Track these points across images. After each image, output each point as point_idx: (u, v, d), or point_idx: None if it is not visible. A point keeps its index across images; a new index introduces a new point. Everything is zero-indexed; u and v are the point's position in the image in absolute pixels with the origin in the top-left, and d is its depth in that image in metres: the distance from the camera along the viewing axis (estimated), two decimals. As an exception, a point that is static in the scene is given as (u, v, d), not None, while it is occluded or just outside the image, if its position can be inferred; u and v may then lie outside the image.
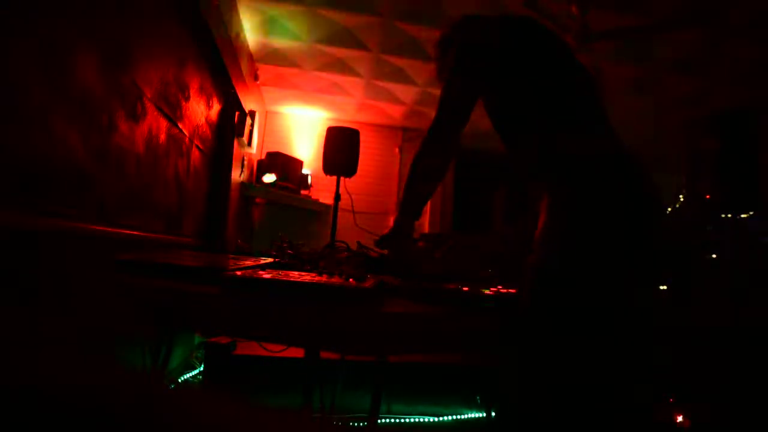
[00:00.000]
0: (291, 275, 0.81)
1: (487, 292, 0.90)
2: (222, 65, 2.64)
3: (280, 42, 3.38)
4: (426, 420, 2.11)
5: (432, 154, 1.08)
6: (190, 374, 2.38)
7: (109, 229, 1.42)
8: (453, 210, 5.22)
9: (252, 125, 3.53)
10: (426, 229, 4.89)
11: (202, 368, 2.33)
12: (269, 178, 4.00)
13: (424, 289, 0.91)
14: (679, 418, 1.59)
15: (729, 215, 2.59)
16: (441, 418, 2.12)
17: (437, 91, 1.10)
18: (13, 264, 0.89)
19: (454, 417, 2.12)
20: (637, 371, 0.89)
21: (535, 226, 0.95)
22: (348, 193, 2.80)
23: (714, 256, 2.44)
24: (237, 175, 3.40)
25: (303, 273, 0.87)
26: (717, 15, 2.74)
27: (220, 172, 3.09)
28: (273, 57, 3.59)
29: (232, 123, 3.18)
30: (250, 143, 3.53)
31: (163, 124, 1.92)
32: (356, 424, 1.94)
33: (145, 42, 1.66)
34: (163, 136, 1.93)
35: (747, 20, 2.81)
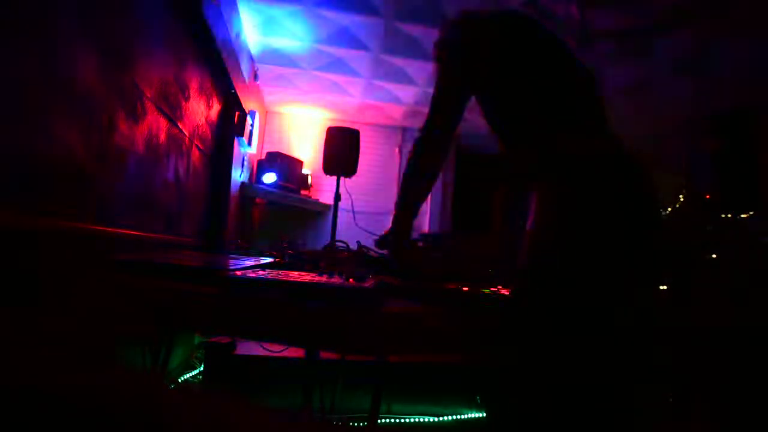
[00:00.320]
0: (291, 275, 0.81)
1: (487, 292, 0.90)
2: (222, 65, 2.64)
3: (280, 42, 3.37)
4: (426, 420, 2.11)
5: (425, 154, 1.08)
6: (190, 374, 2.38)
7: (109, 229, 1.42)
8: (453, 210, 5.22)
9: (252, 125, 3.53)
10: (426, 229, 4.89)
11: (202, 368, 2.33)
12: (269, 178, 4.00)
13: (424, 289, 0.91)
14: (679, 418, 1.59)
15: (729, 215, 2.59)
16: (441, 418, 2.12)
17: (437, 92, 1.09)
18: (13, 264, 0.89)
19: (454, 417, 2.12)
20: (633, 371, 0.88)
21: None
22: (348, 193, 2.80)
23: (714, 256, 2.44)
24: (237, 175, 3.40)
25: (303, 273, 0.87)
26: (717, 14, 2.74)
27: (220, 172, 3.09)
28: (273, 57, 3.59)
29: (232, 123, 3.18)
30: (250, 143, 3.53)
31: (163, 124, 1.92)
32: (356, 424, 1.94)
33: (145, 42, 1.66)
34: (163, 136, 1.93)
35: (747, 20, 2.81)
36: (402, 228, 1.10)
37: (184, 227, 2.42)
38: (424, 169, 1.09)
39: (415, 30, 3.18)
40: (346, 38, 3.29)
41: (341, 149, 2.79)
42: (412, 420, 2.10)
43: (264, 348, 1.91)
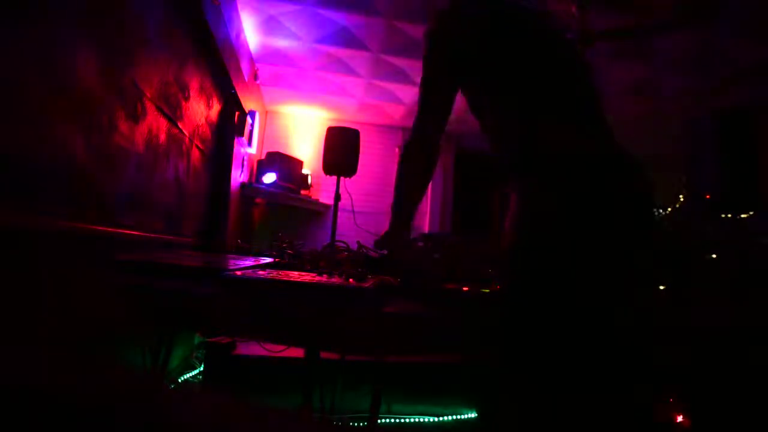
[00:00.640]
0: (291, 275, 0.81)
1: (487, 292, 0.90)
2: (222, 65, 2.64)
3: (280, 42, 3.38)
4: (426, 420, 2.11)
5: (416, 158, 1.06)
6: (190, 374, 2.39)
7: (109, 229, 1.42)
8: (453, 210, 5.22)
9: (252, 125, 3.53)
10: (426, 229, 4.89)
11: (202, 368, 2.33)
12: (269, 178, 4.00)
13: (424, 289, 0.91)
14: (679, 418, 1.59)
15: (729, 215, 2.59)
16: (441, 418, 2.12)
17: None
18: (13, 264, 0.89)
19: (454, 417, 2.12)
20: (615, 372, 0.84)
21: None
22: (348, 193, 2.80)
23: (714, 256, 2.44)
24: (237, 175, 3.40)
25: (303, 273, 0.87)
26: (717, 15, 2.74)
27: (220, 172, 3.09)
28: (273, 57, 3.59)
29: (232, 123, 3.18)
30: (250, 143, 3.53)
31: (163, 124, 1.92)
32: (356, 424, 1.94)
33: (145, 42, 1.66)
34: (163, 136, 1.93)
35: (747, 20, 2.81)
36: (399, 231, 1.09)
37: (184, 227, 2.42)
38: (416, 173, 1.07)
39: (415, 30, 3.18)
40: (346, 38, 3.29)
41: (341, 149, 2.79)
42: (412, 420, 2.10)
43: (264, 348, 1.91)
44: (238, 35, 2.99)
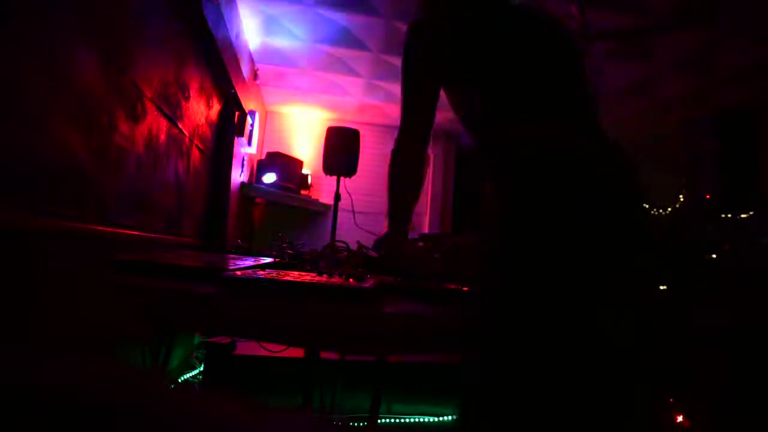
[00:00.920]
0: (291, 275, 0.81)
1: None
2: (222, 65, 2.64)
3: (280, 42, 3.37)
4: (426, 420, 2.11)
5: (404, 160, 1.05)
6: (190, 374, 2.39)
7: (109, 229, 1.42)
8: (453, 210, 5.22)
9: (252, 125, 3.53)
10: (426, 229, 4.89)
11: (202, 368, 2.33)
12: (269, 178, 4.00)
13: (424, 289, 0.91)
14: (679, 418, 1.59)
15: (729, 215, 2.59)
16: (441, 418, 2.12)
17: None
18: (13, 264, 0.89)
19: (454, 417, 2.12)
20: (612, 372, 0.82)
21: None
22: (348, 193, 2.80)
23: (714, 256, 2.44)
24: (237, 175, 3.40)
25: (303, 273, 0.87)
26: (717, 15, 2.74)
27: (220, 172, 3.09)
28: (273, 57, 3.59)
29: (232, 123, 3.18)
30: (250, 143, 3.53)
31: (163, 124, 1.92)
32: (356, 424, 1.94)
33: (145, 42, 1.66)
34: (163, 136, 1.93)
35: (747, 20, 2.81)
36: (397, 233, 1.08)
37: (184, 227, 2.42)
38: (407, 177, 1.06)
39: (415, 30, 3.17)
40: (346, 38, 3.29)
41: (341, 149, 2.79)
42: (412, 420, 2.10)
43: (264, 348, 1.91)
44: (238, 35, 2.99)
